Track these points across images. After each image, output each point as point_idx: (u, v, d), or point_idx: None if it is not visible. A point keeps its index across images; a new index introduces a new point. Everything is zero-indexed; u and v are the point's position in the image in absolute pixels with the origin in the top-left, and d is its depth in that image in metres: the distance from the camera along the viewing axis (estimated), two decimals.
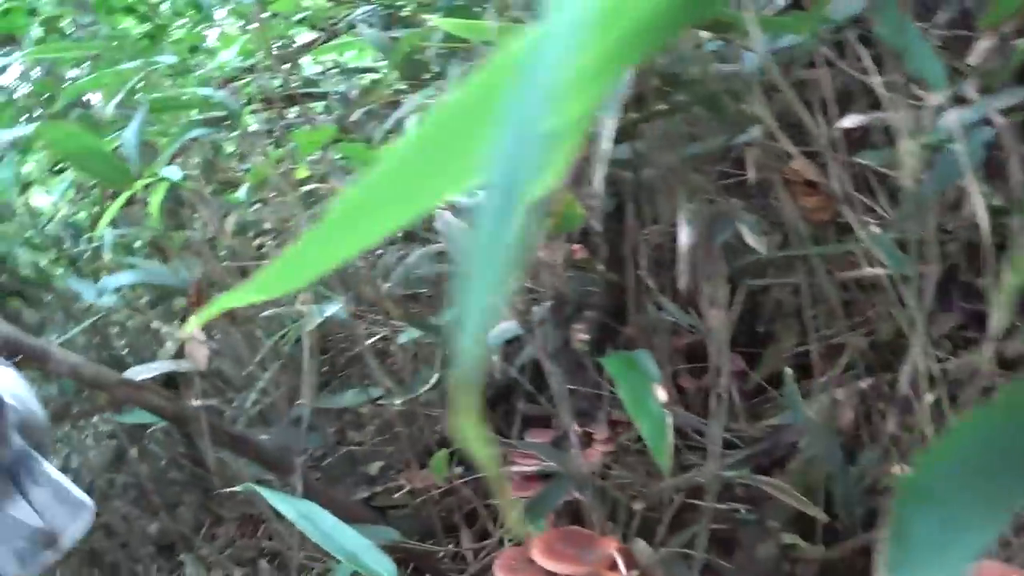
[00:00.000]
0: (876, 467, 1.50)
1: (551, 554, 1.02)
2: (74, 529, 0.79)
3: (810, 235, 1.47)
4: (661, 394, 0.95)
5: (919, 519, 0.35)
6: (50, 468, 0.82)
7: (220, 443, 1.30)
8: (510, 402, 2.06)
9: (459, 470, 1.82)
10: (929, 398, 1.41)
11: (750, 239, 1.56)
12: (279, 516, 1.88)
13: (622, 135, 1.05)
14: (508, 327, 1.49)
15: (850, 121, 1.26)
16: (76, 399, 2.72)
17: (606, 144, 0.86)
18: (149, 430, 3.13)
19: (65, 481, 0.83)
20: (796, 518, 1.37)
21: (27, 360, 1.36)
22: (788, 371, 1.48)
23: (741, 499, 1.59)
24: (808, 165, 0.95)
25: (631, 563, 1.02)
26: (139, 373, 1.46)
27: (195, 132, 1.42)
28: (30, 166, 2.72)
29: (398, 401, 1.35)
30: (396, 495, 1.74)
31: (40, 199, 3.00)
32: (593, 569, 1.00)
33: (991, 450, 0.34)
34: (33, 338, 1.39)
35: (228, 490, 1.16)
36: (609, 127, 0.82)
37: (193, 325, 1.32)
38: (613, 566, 1.01)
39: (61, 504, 0.79)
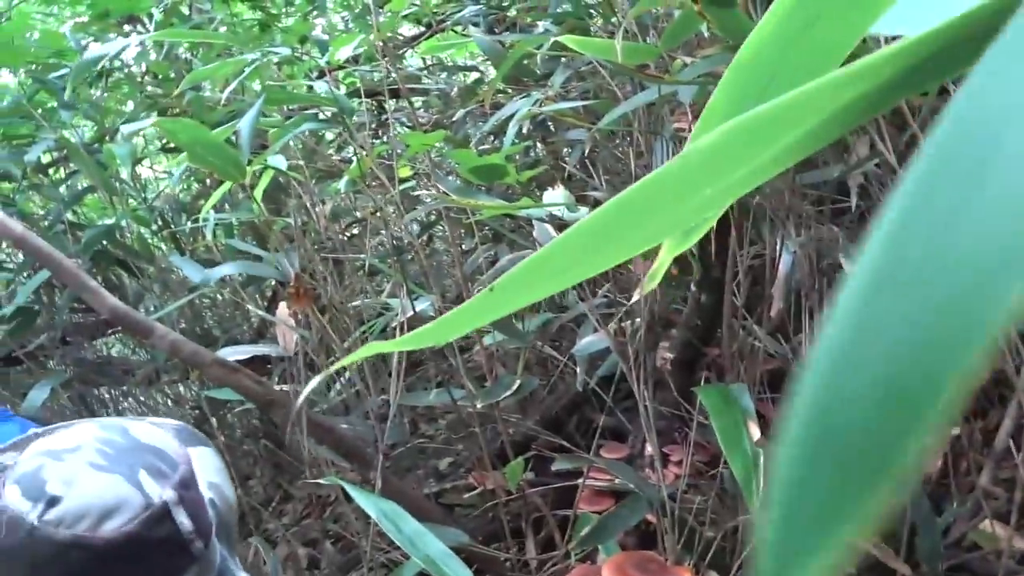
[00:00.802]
0: (965, 521, 1.44)
1: None
2: None
3: None
4: (755, 431, 0.93)
5: None
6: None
7: (302, 428, 1.34)
8: (584, 412, 2.05)
9: (530, 475, 1.83)
10: None
11: (849, 268, 1.51)
12: (348, 499, 1.92)
13: None
14: (596, 340, 1.49)
15: None
16: (165, 365, 2.84)
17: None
18: (230, 404, 3.25)
19: None
20: (876, 565, 1.32)
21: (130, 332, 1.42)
22: None
23: None
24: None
25: None
26: (232, 354, 1.51)
27: (308, 125, 1.46)
28: (140, 139, 2.85)
29: (479, 404, 1.36)
30: (466, 495, 1.75)
31: (146, 171, 3.13)
32: None
33: None
34: (138, 313, 1.45)
35: (311, 481, 1.18)
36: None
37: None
38: None
39: None
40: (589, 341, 1.42)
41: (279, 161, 1.58)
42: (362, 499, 0.87)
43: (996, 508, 1.43)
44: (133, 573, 0.72)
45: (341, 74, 2.54)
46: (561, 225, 1.09)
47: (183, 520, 0.74)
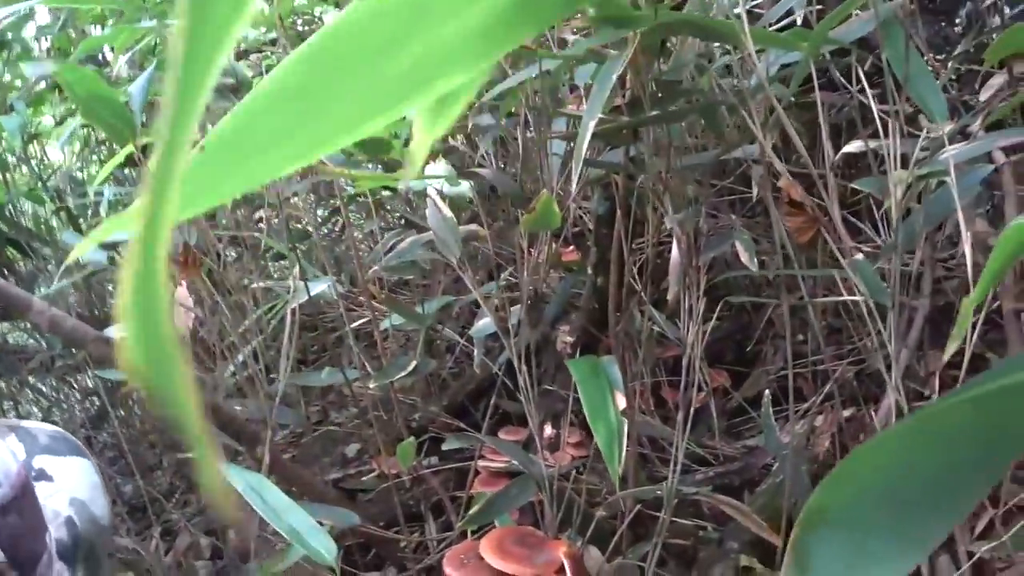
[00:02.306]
0: None
1: (500, 553, 1.02)
2: None
3: (802, 257, 1.47)
4: (621, 401, 0.94)
5: (823, 546, 0.33)
6: None
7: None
8: (491, 399, 2.05)
9: (431, 460, 1.82)
10: None
11: (743, 256, 1.56)
12: None
13: (616, 139, 1.04)
14: (486, 324, 1.49)
15: (850, 147, 1.25)
16: (63, 354, 2.73)
17: (584, 144, 0.85)
18: (134, 393, 3.14)
19: None
20: (758, 542, 1.36)
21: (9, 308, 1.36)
22: (767, 393, 1.46)
23: (706, 517, 1.58)
24: (793, 185, 0.94)
25: (580, 570, 1.01)
26: (118, 331, 1.46)
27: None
28: (47, 119, 2.73)
29: (372, 384, 1.34)
30: (365, 478, 1.73)
31: (53, 154, 3.01)
32: (540, 572, 0.99)
33: (902, 475, 0.33)
34: (16, 287, 1.39)
35: (181, 456, 1.15)
36: (590, 127, 0.81)
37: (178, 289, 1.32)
38: (561, 570, 1.00)
39: None
40: (485, 323, 1.41)
41: None
42: (230, 472, 0.85)
43: None
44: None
45: (262, 56, 2.49)
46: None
47: None
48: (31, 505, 0.73)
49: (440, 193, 1.08)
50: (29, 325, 2.91)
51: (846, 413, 1.84)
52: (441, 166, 1.07)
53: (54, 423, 2.87)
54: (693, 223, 1.16)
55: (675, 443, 1.09)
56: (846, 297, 0.97)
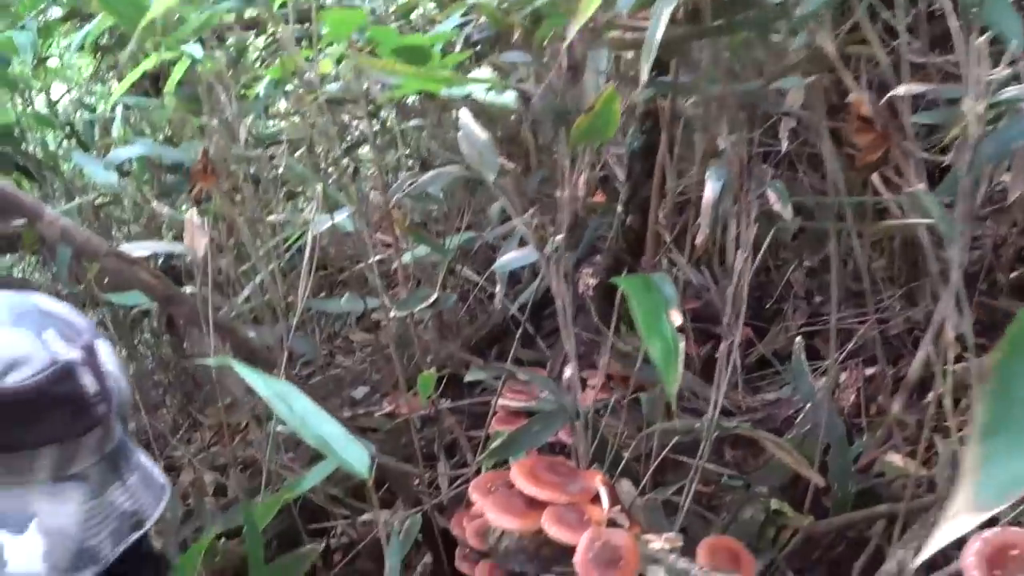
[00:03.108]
0: (874, 449, 1.45)
1: (533, 479, 0.98)
2: (157, 512, 0.82)
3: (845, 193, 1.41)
4: (676, 317, 0.89)
5: None
6: (140, 454, 0.85)
7: (206, 329, 1.26)
8: (505, 345, 2.01)
9: (446, 402, 1.78)
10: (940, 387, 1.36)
11: (777, 205, 1.51)
12: (258, 425, 1.85)
13: (674, 52, 0.99)
14: (518, 256, 1.44)
15: (899, 90, 1.19)
16: (69, 288, 2.68)
17: (651, 57, 0.80)
18: (141, 333, 3.10)
19: (151, 465, 0.86)
20: (785, 487, 1.33)
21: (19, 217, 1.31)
22: (798, 341, 1.43)
23: (729, 465, 1.55)
24: (865, 100, 0.89)
25: (614, 499, 0.98)
26: (134, 249, 1.41)
27: (227, 5, 1.35)
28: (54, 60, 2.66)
29: (393, 314, 1.30)
30: (377, 415, 1.69)
31: (59, 90, 2.94)
32: (574, 500, 0.96)
33: None
34: (28, 195, 1.34)
35: (199, 361, 1.11)
36: (657, 35, 0.75)
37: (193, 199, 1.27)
38: (595, 500, 0.97)
39: (147, 489, 0.82)
40: (510, 257, 1.37)
41: (195, 49, 1.47)
42: (251, 376, 0.80)
43: (905, 437, 1.45)
44: (35, 426, 0.74)
45: None
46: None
47: (87, 381, 0.76)
48: (99, 354, 0.80)
49: (476, 112, 1.03)
50: (34, 257, 2.87)
51: (869, 371, 1.81)
52: (486, 71, 1.01)
53: None
54: (745, 147, 1.11)
55: (716, 375, 1.04)
56: (907, 221, 0.92)
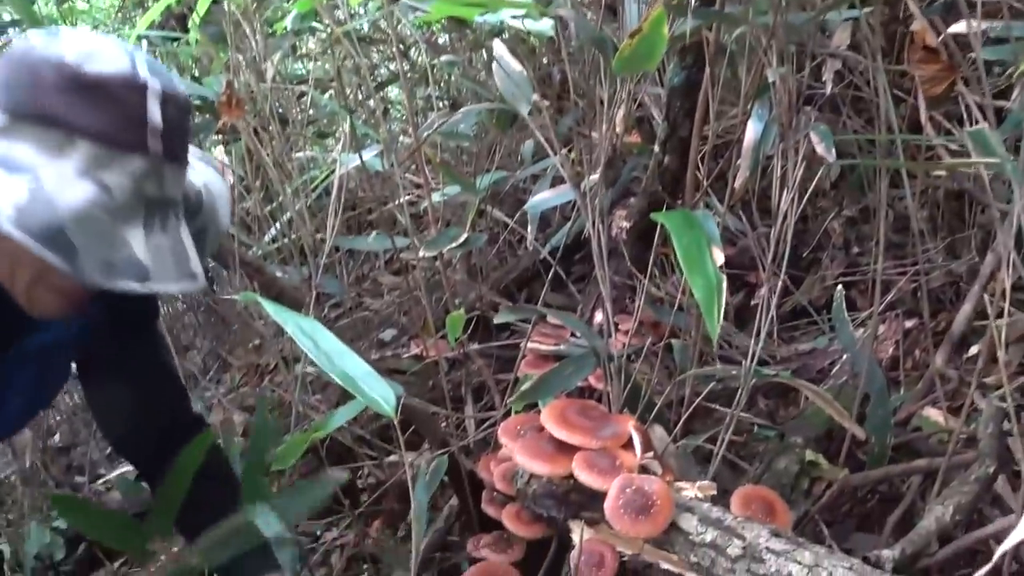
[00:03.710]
0: (913, 403, 1.41)
1: (564, 423, 0.96)
2: (170, 284, 0.82)
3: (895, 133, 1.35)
4: (719, 255, 0.86)
5: None
6: (189, 242, 0.84)
7: (234, 267, 1.24)
8: (534, 289, 1.98)
9: (474, 345, 1.76)
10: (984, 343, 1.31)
11: (820, 147, 1.45)
12: (286, 366, 1.84)
13: None
14: (550, 196, 1.40)
15: (958, 27, 1.12)
16: None
17: None
18: None
19: (191, 250, 0.85)
20: (820, 439, 1.29)
21: None
22: (839, 289, 1.37)
23: (762, 415, 1.52)
24: (928, 30, 0.83)
25: (647, 445, 0.95)
26: None
27: None
28: None
29: (422, 252, 1.27)
30: (405, 357, 1.68)
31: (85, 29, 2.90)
32: (606, 444, 0.93)
33: None
34: None
35: (227, 297, 1.09)
36: None
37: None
38: (627, 446, 0.94)
39: (171, 258, 0.82)
40: (542, 197, 1.32)
41: None
42: (277, 313, 0.78)
43: (946, 392, 1.41)
44: (90, 114, 0.76)
45: None
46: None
47: (154, 110, 0.78)
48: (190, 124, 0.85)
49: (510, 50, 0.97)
50: None
51: (908, 324, 1.75)
52: None
53: None
54: (794, 83, 1.05)
55: (757, 320, 1.01)
56: (968, 160, 0.86)
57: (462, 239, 1.32)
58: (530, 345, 1.41)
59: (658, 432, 1.08)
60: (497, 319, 1.27)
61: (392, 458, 1.59)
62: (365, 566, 1.61)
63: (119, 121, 0.77)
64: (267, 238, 1.49)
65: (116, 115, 0.77)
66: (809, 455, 1.17)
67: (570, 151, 1.52)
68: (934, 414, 1.43)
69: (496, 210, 1.70)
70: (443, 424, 1.52)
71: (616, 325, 1.44)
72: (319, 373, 1.94)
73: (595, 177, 1.02)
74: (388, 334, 2.09)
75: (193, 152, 0.88)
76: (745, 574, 0.81)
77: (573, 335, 1.50)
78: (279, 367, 1.88)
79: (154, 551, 0.95)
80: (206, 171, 0.94)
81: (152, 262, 0.78)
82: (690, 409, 1.15)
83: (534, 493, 1.03)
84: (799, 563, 0.79)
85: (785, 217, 1.00)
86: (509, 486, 1.15)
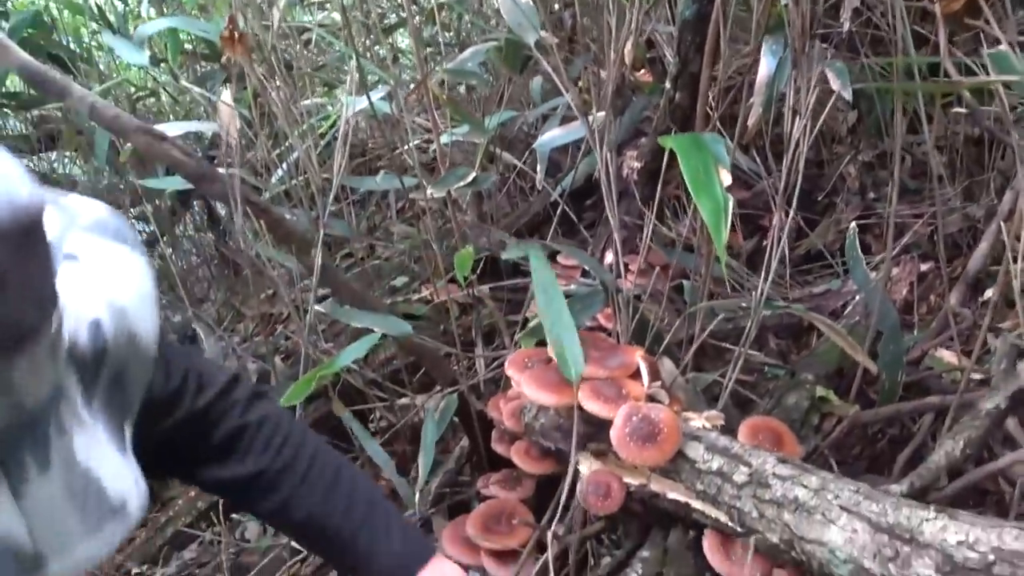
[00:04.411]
0: (928, 341, 1.40)
1: None
2: (85, 550, 0.56)
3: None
4: (726, 177, 0.84)
5: None
6: (86, 442, 0.56)
7: (244, 211, 1.23)
8: (544, 233, 1.96)
9: (485, 289, 1.76)
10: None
11: (835, 83, 1.42)
12: (298, 315, 1.85)
13: None
14: (553, 136, 1.38)
15: None
16: (109, 178, 2.69)
17: None
18: (184, 230, 3.13)
19: (104, 464, 0.57)
20: (830, 376, 1.28)
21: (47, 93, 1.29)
22: (852, 226, 1.35)
23: (773, 355, 1.51)
24: None
25: (655, 375, 0.94)
26: (167, 129, 1.39)
27: None
28: None
29: (430, 192, 1.26)
30: (415, 300, 1.68)
31: None
32: (614, 374, 0.93)
33: None
34: (56, 72, 1.31)
35: (239, 248, 1.08)
36: None
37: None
38: (636, 375, 0.94)
39: (73, 507, 0.55)
40: (551, 136, 1.31)
41: None
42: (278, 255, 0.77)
43: (960, 332, 1.39)
44: None
45: None
46: None
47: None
48: (36, 257, 0.49)
49: None
50: (78, 155, 2.87)
51: (924, 267, 1.74)
52: None
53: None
54: (810, 12, 1.02)
55: (768, 253, 0.99)
56: (990, 79, 0.84)
57: (470, 178, 1.31)
58: None
59: (667, 365, 1.07)
60: (504, 255, 1.26)
61: (403, 401, 1.60)
62: None
63: None
64: (274, 179, 1.48)
65: None
66: (820, 391, 1.17)
67: (581, 90, 1.50)
68: (947, 354, 1.41)
69: (506, 153, 1.68)
70: (454, 367, 1.53)
71: (626, 265, 1.43)
72: (331, 320, 1.95)
73: (603, 115, 1.00)
74: (400, 281, 2.09)
75: (75, 240, 0.59)
76: (751, 500, 0.81)
77: (584, 274, 1.49)
78: (291, 316, 1.88)
79: None
80: (102, 266, 0.61)
81: (38, 530, 0.52)
82: (698, 343, 1.14)
83: (541, 426, 1.03)
84: (805, 487, 0.78)
85: (797, 145, 0.98)
86: (518, 423, 1.15)
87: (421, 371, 1.55)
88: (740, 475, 0.83)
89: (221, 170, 1.39)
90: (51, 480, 0.52)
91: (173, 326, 2.70)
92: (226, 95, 1.48)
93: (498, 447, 1.25)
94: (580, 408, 0.92)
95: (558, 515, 0.92)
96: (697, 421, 0.91)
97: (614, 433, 0.88)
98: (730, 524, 0.84)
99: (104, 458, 0.56)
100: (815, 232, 1.92)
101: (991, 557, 0.68)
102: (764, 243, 1.87)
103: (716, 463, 0.85)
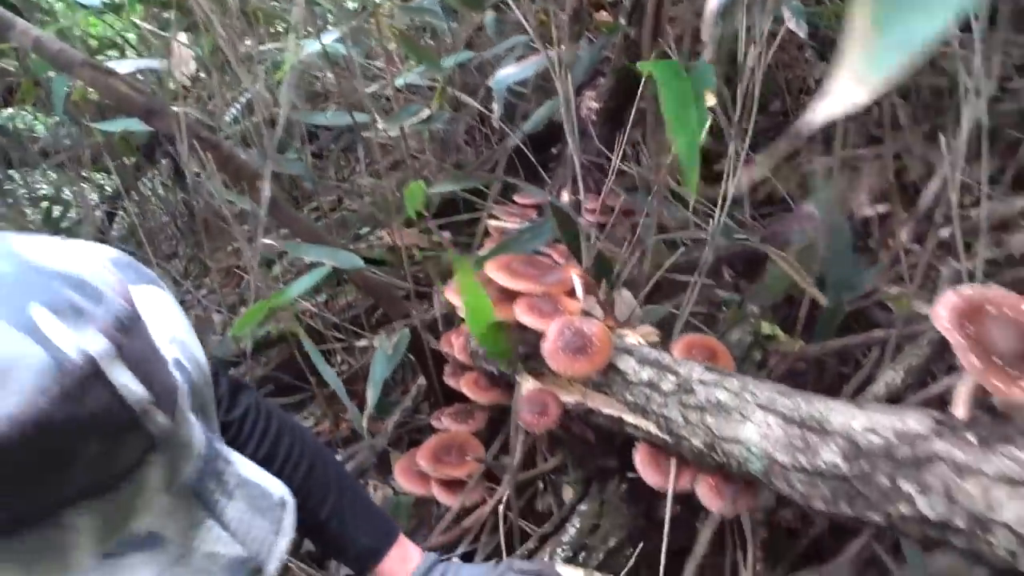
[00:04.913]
0: (880, 276, 1.41)
1: (508, 272, 0.96)
2: (281, 544, 0.60)
3: None
4: (710, 99, 0.84)
5: None
6: (238, 460, 0.61)
7: (195, 147, 1.22)
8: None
9: (446, 234, 1.76)
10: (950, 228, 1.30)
11: (791, 22, 1.42)
12: (267, 267, 1.84)
13: None
14: (508, 73, 1.37)
15: None
16: (70, 142, 2.65)
17: None
18: (150, 187, 3.10)
19: (255, 473, 0.62)
20: (778, 307, 1.29)
21: None
22: (816, 160, 1.35)
23: (728, 288, 1.52)
24: None
25: (590, 290, 0.95)
26: (117, 66, 1.37)
27: None
28: None
29: (382, 126, 1.25)
30: (376, 246, 1.68)
31: None
32: (549, 290, 0.94)
33: None
34: None
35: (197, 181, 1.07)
36: None
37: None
38: (572, 292, 0.95)
39: (258, 514, 0.60)
40: (508, 72, 1.30)
41: None
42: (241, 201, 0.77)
43: (910, 267, 1.40)
44: (48, 476, 0.46)
45: None
46: None
47: (125, 382, 0.48)
48: (144, 329, 0.53)
49: None
50: (36, 108, 2.82)
51: (882, 209, 1.74)
52: None
53: (70, 218, 2.83)
54: None
55: (724, 180, 0.99)
56: None
57: (424, 114, 1.30)
58: (495, 224, 1.40)
59: (625, 296, 1.08)
60: (435, 188, 1.26)
61: (363, 343, 1.61)
62: (339, 450, 1.65)
63: (99, 445, 0.49)
64: (227, 117, 1.47)
65: (91, 443, 0.48)
66: (765, 327, 1.18)
67: (540, 22, 1.49)
68: (896, 290, 1.43)
69: (466, 97, 1.67)
70: (407, 302, 1.53)
71: (582, 203, 1.43)
72: (293, 271, 1.95)
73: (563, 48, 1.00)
74: (364, 229, 2.09)
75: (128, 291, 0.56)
76: (677, 406, 0.82)
77: (539, 213, 1.49)
78: (242, 250, 1.88)
79: None
80: (146, 309, 0.58)
81: (248, 544, 0.58)
82: (655, 278, 1.15)
83: (484, 353, 1.04)
84: (727, 389, 0.79)
85: (752, 72, 0.98)
86: (468, 356, 1.16)
87: (379, 312, 1.56)
88: (668, 384, 0.83)
89: (176, 108, 1.38)
90: (237, 500, 0.59)
91: None
92: (181, 36, 1.46)
93: (450, 381, 1.25)
94: (520, 326, 0.92)
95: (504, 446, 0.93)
96: (632, 337, 0.92)
97: (546, 346, 0.88)
98: (659, 434, 0.85)
99: (250, 467, 0.63)
100: (777, 177, 1.93)
101: (894, 440, 0.69)
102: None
103: (646, 374, 0.86)
